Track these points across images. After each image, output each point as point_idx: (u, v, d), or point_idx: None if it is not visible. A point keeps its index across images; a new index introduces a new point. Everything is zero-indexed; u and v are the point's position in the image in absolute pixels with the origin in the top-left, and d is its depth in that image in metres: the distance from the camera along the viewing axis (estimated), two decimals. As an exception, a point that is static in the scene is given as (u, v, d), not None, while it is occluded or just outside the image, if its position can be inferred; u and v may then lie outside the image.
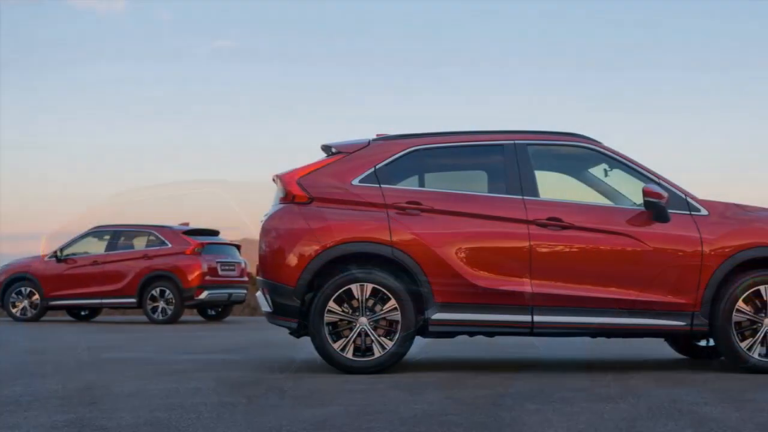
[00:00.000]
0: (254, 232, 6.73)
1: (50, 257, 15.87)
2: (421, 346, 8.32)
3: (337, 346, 6.10)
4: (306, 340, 6.53)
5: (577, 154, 6.64)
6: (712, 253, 6.11)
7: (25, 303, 15.84)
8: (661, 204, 6.09)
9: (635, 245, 6.14)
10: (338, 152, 6.55)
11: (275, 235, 6.35)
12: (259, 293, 6.60)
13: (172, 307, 15.03)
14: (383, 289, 6.10)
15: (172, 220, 16.33)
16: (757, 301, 6.10)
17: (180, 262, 15.15)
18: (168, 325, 14.49)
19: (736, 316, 6.08)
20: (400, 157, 6.47)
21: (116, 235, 15.82)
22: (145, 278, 15.11)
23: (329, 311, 6.11)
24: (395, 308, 6.09)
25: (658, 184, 6.28)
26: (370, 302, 6.13)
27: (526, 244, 6.15)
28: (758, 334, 6.08)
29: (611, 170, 6.53)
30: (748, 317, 6.10)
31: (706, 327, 6.11)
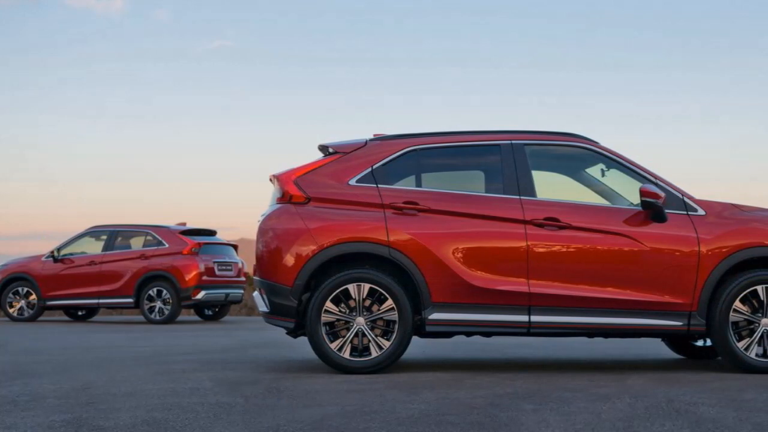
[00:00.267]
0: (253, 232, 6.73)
1: (47, 257, 15.87)
2: (418, 346, 8.32)
3: (334, 346, 6.10)
4: (303, 341, 6.53)
5: (574, 154, 6.65)
6: (710, 253, 6.12)
7: (23, 303, 15.83)
8: (658, 204, 6.10)
9: (632, 245, 6.15)
10: (335, 152, 6.55)
11: (272, 235, 6.35)
12: (256, 293, 6.60)
13: (169, 307, 15.03)
14: (380, 289, 6.10)
15: (170, 220, 16.34)
16: (754, 301, 6.11)
17: (177, 262, 15.14)
18: (165, 325, 14.48)
19: (733, 316, 6.09)
20: (397, 157, 6.48)
21: (113, 235, 15.80)
22: (142, 278, 15.10)
23: (326, 311, 6.11)
24: (392, 308, 6.09)
25: (655, 184, 6.29)
26: (367, 302, 6.13)
27: (523, 244, 6.15)
28: (755, 334, 6.09)
29: (608, 170, 6.54)
30: (745, 317, 6.10)
31: (703, 327, 6.12)
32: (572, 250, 6.16)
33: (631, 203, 6.41)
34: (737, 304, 6.09)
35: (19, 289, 15.86)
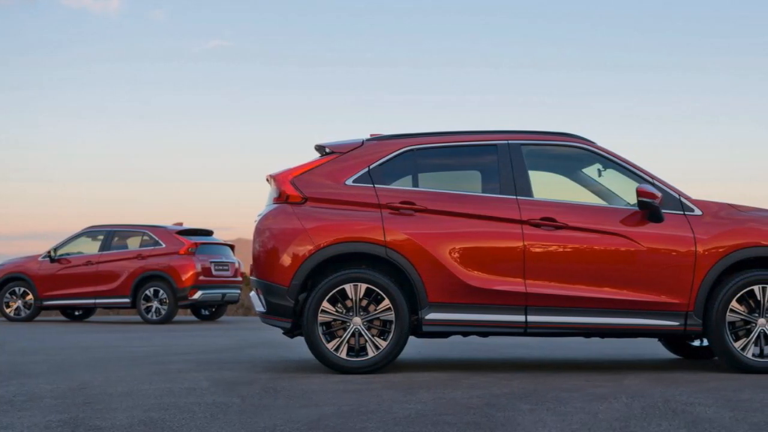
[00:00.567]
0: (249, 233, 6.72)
1: (44, 257, 15.85)
2: (414, 347, 8.32)
3: (330, 346, 6.10)
4: (300, 341, 6.53)
5: (570, 154, 6.65)
6: (706, 253, 6.12)
7: (19, 303, 15.81)
8: (655, 204, 6.10)
9: (629, 245, 6.15)
10: (332, 152, 6.55)
11: (269, 235, 6.35)
12: (252, 293, 6.60)
13: (165, 307, 15.02)
14: (377, 289, 6.10)
15: (167, 220, 16.33)
16: (751, 301, 6.11)
17: (174, 262, 15.14)
18: (162, 325, 14.47)
19: (729, 316, 6.09)
20: (394, 157, 6.48)
21: (110, 235, 15.79)
22: (138, 278, 15.10)
23: (323, 311, 6.11)
24: (389, 308, 6.09)
25: (652, 184, 6.29)
26: (364, 302, 6.13)
27: (519, 244, 6.16)
28: (752, 334, 6.09)
29: (605, 170, 6.55)
30: (741, 317, 6.11)
31: (699, 327, 6.12)
32: (569, 250, 6.16)
33: (628, 203, 6.42)
34: (734, 304, 6.09)
35: (16, 289, 15.84)
